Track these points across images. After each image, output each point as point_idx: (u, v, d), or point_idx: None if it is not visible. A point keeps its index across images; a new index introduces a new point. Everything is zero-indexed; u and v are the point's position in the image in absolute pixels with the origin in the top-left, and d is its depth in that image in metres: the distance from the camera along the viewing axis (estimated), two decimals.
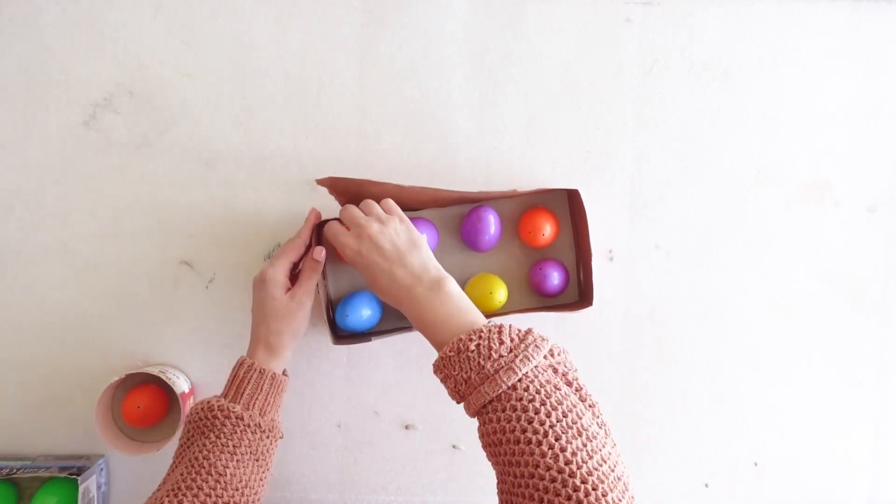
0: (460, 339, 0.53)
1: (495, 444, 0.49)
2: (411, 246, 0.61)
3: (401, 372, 0.76)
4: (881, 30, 0.75)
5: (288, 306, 0.64)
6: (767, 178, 0.76)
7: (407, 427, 0.76)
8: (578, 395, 0.51)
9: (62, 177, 0.73)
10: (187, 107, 0.72)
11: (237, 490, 0.58)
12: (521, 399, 0.49)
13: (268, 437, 0.62)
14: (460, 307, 0.57)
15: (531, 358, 0.50)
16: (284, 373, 0.67)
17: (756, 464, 0.78)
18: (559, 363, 0.52)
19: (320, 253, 0.67)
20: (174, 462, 0.60)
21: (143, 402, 0.71)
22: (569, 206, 0.75)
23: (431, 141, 0.74)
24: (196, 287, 0.74)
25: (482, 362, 0.51)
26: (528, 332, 0.53)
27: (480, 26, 0.74)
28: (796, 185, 0.76)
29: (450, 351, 0.53)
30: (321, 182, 0.72)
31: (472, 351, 0.52)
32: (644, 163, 0.75)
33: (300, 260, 0.68)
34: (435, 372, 0.56)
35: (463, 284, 0.73)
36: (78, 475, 0.68)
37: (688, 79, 0.75)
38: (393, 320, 0.74)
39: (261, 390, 0.62)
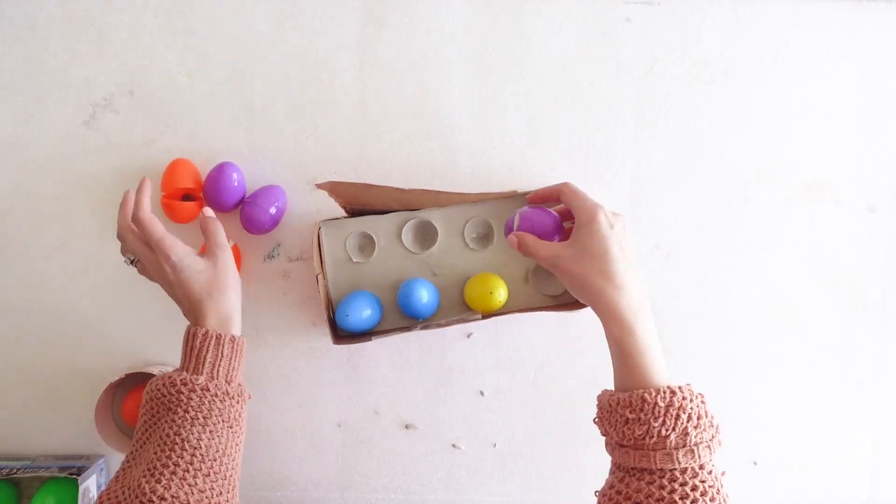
0: (674, 393, 0.50)
1: None
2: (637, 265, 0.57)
3: (401, 372, 0.76)
4: (881, 30, 0.75)
5: (216, 271, 0.60)
6: (767, 177, 0.76)
7: (407, 427, 0.76)
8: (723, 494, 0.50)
9: (62, 177, 0.72)
10: (187, 107, 0.72)
11: (215, 460, 0.55)
12: (704, 482, 0.48)
13: (237, 401, 0.59)
14: (658, 348, 0.55)
15: (721, 444, 0.50)
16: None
17: (755, 463, 0.78)
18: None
19: (209, 209, 0.65)
20: (139, 437, 0.57)
21: None
22: None
23: (431, 141, 0.74)
24: None
25: (689, 429, 0.49)
26: (712, 416, 0.51)
27: (480, 26, 0.74)
28: (796, 184, 0.76)
29: (660, 400, 0.50)
30: (321, 186, 0.72)
31: (685, 412, 0.49)
32: (644, 163, 0.75)
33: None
34: (620, 406, 0.52)
35: (463, 284, 0.73)
36: (78, 475, 0.68)
37: (688, 79, 0.75)
38: (393, 320, 0.74)
39: (222, 356, 0.58)
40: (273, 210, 0.70)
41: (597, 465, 0.77)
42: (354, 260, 0.73)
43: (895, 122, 0.76)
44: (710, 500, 0.47)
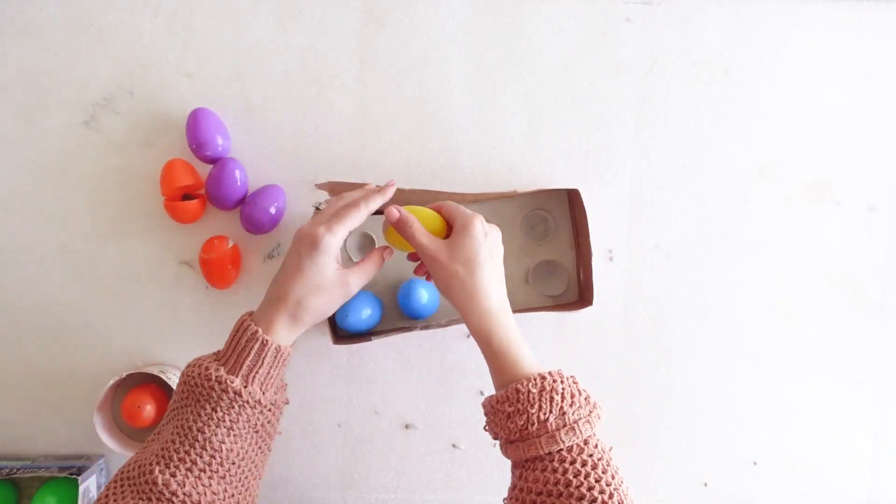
0: (544, 378, 0.52)
1: (551, 494, 0.49)
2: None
3: (401, 372, 0.76)
4: (881, 30, 0.75)
5: (335, 285, 0.58)
6: (768, 177, 0.76)
7: (407, 427, 0.76)
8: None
9: (62, 177, 0.73)
10: (187, 107, 0.72)
11: (234, 463, 0.53)
12: (591, 455, 0.50)
13: (269, 410, 0.56)
14: (524, 343, 0.57)
15: (600, 417, 0.52)
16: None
17: (755, 463, 0.78)
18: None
19: (389, 255, 0.64)
20: (168, 414, 0.56)
21: (143, 402, 0.71)
22: (569, 206, 0.75)
23: (431, 141, 0.74)
24: (196, 287, 0.74)
25: (565, 408, 0.51)
26: (587, 393, 0.54)
27: (480, 26, 0.74)
28: (796, 184, 0.76)
29: (532, 387, 0.52)
30: (321, 186, 0.72)
31: (558, 394, 0.51)
32: (644, 163, 0.75)
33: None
34: (498, 403, 0.53)
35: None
36: (78, 475, 0.68)
37: (688, 79, 0.75)
38: (393, 320, 0.74)
39: (262, 364, 0.55)
40: (273, 210, 0.70)
41: None
42: (354, 260, 0.73)
43: (895, 122, 0.76)
44: (602, 472, 0.49)
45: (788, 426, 0.78)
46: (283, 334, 0.57)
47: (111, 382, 0.69)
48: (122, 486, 0.52)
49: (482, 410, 0.57)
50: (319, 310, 0.58)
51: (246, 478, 0.55)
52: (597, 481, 0.48)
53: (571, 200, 0.74)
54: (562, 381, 0.52)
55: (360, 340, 0.71)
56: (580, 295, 0.75)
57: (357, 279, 0.60)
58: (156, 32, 0.72)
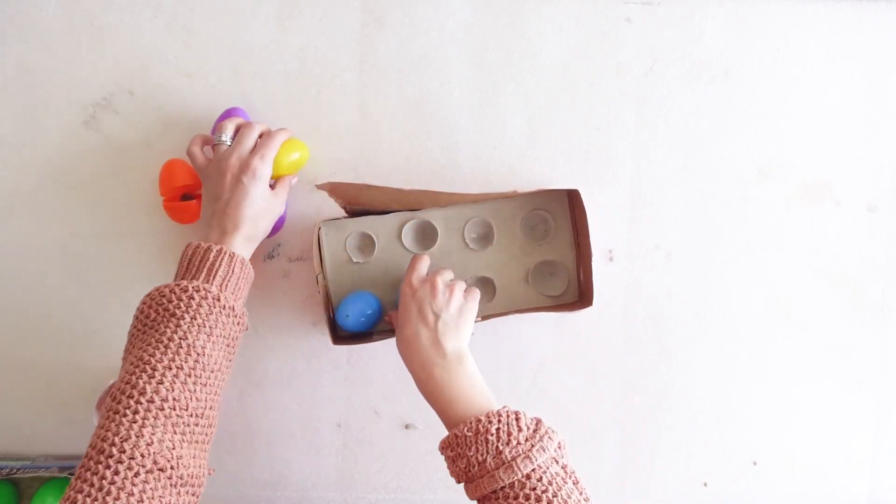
0: (479, 421, 0.53)
1: None
2: (457, 318, 0.62)
3: (401, 372, 0.75)
4: (881, 30, 0.75)
5: (271, 205, 0.64)
6: (768, 177, 0.76)
7: (407, 427, 0.76)
8: (577, 488, 0.51)
9: (62, 177, 0.73)
10: (187, 107, 0.72)
11: (213, 372, 0.54)
12: (534, 489, 0.50)
13: (239, 322, 0.59)
14: (475, 386, 0.59)
15: (545, 449, 0.52)
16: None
17: (755, 463, 0.78)
18: (562, 456, 0.53)
19: (295, 179, 0.70)
20: (127, 348, 0.56)
21: None
22: (569, 206, 0.75)
23: (431, 141, 0.74)
24: None
25: (500, 447, 0.52)
26: (540, 421, 0.54)
27: (480, 26, 0.74)
28: (796, 184, 0.76)
29: (468, 431, 0.53)
30: (321, 186, 0.72)
31: (492, 434, 0.52)
32: (644, 163, 0.75)
33: None
34: (443, 449, 0.56)
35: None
36: None
37: (688, 78, 0.75)
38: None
39: (232, 273, 0.59)
40: None
41: (595, 464, 0.78)
42: (354, 260, 0.73)
43: (895, 122, 0.76)
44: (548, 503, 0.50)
45: (788, 426, 0.78)
46: (244, 253, 0.62)
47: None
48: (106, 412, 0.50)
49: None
50: (267, 228, 0.65)
51: (217, 393, 0.55)
52: None
53: (571, 200, 0.74)
54: (498, 421, 0.53)
55: (360, 340, 0.71)
56: (580, 295, 0.75)
57: (282, 195, 0.67)
58: (156, 32, 0.72)
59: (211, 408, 0.54)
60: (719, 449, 0.78)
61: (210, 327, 0.55)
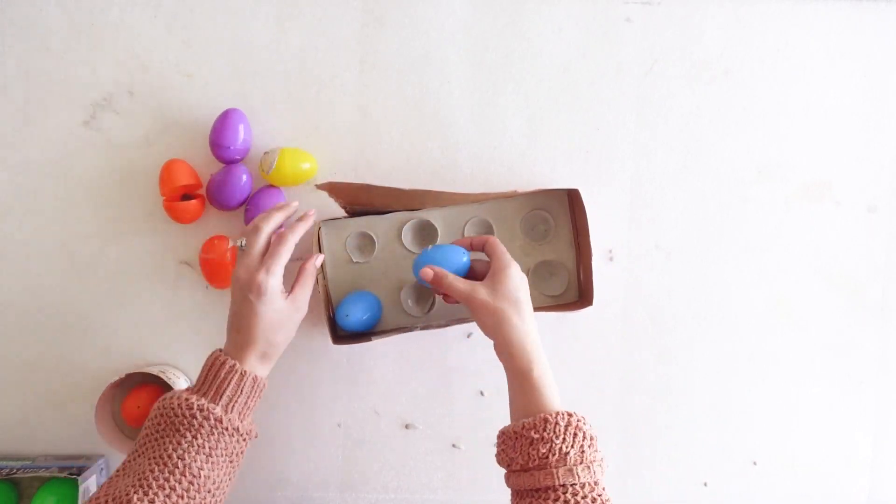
0: (571, 415, 0.56)
1: None
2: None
3: (401, 372, 0.76)
4: (881, 30, 0.75)
5: (289, 315, 0.62)
6: (768, 177, 0.76)
7: (407, 427, 0.76)
8: None
9: (62, 177, 0.72)
10: (187, 107, 0.72)
11: (209, 491, 0.55)
12: (600, 495, 0.53)
13: (244, 440, 0.60)
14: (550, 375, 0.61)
15: (605, 465, 0.56)
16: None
17: (755, 463, 0.78)
18: (602, 475, 0.56)
19: (320, 260, 0.67)
20: (137, 450, 0.57)
21: (143, 402, 0.71)
22: (569, 206, 0.75)
23: (431, 141, 0.74)
24: (196, 287, 0.74)
25: (585, 447, 0.55)
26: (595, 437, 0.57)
27: (480, 26, 0.74)
28: (796, 184, 0.76)
29: (560, 420, 0.55)
30: (321, 186, 0.72)
31: (581, 432, 0.55)
32: (644, 163, 0.75)
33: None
34: (524, 429, 0.56)
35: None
36: (78, 475, 0.68)
37: (688, 78, 0.75)
38: (393, 320, 0.74)
39: (241, 393, 0.59)
40: None
41: None
42: (354, 260, 0.73)
43: (895, 122, 0.76)
44: None
45: (788, 426, 0.78)
46: (260, 371, 0.61)
47: (111, 382, 0.69)
48: None
49: (496, 436, 0.60)
50: (285, 341, 0.63)
51: None
52: None
53: (571, 200, 0.74)
54: (585, 423, 0.56)
55: (360, 340, 0.71)
56: (580, 295, 0.75)
57: (304, 297, 0.64)
58: (156, 32, 0.72)
59: None
60: (719, 449, 0.78)
61: (210, 448, 0.56)
